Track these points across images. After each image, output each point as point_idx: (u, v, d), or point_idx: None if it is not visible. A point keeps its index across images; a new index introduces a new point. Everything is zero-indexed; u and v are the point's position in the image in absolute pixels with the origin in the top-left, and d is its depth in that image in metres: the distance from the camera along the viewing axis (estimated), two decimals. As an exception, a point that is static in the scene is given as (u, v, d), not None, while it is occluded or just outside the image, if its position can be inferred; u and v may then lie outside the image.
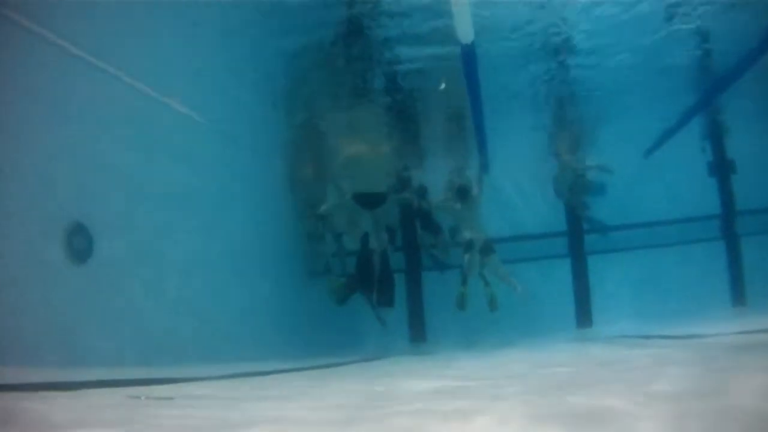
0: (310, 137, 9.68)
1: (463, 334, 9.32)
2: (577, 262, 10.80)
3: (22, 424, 1.90)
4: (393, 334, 9.75)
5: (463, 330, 9.48)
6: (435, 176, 10.39)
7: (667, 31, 7.38)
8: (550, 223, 10.84)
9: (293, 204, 9.67)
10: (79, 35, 4.53)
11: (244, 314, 6.98)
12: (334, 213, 9.67)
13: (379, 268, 9.50)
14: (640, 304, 9.85)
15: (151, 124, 5.43)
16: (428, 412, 1.99)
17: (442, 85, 7.95)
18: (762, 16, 7.04)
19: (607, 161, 10.21)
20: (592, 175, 10.46)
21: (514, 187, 10.68)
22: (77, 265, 4.39)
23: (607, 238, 10.59)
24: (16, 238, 3.91)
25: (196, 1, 5.85)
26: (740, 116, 10.19)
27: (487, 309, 9.23)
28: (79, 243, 4.45)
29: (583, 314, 10.56)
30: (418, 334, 10.54)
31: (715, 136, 10.91)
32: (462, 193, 9.54)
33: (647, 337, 6.32)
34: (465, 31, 5.46)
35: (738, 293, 10.22)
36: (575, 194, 10.62)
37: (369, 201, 9.30)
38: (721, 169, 10.81)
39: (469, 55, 5.99)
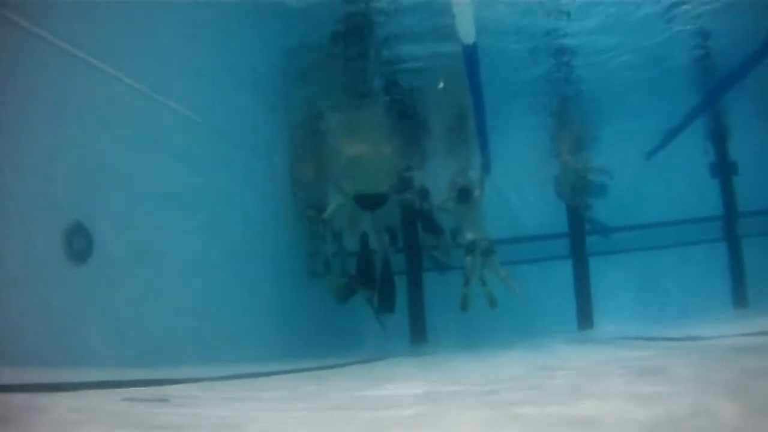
0: (311, 137, 9.67)
1: (464, 336, 9.31)
2: (579, 264, 10.78)
3: (19, 425, 1.88)
4: (394, 335, 9.74)
5: (464, 331, 9.47)
6: (436, 177, 10.37)
7: (670, 32, 7.37)
8: (551, 224, 10.82)
9: (294, 204, 9.66)
10: (78, 35, 4.52)
11: (244, 315, 6.98)
12: (337, 214, 9.66)
13: (381, 273, 9.49)
14: (642, 306, 9.84)
15: (151, 124, 5.42)
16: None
17: (441, 84, 7.94)
18: (765, 16, 7.03)
19: (606, 164, 10.20)
20: (593, 176, 10.44)
21: (516, 188, 10.66)
22: (77, 264, 4.39)
23: (609, 240, 10.57)
24: (15, 238, 3.90)
25: (196, 0, 5.84)
26: (743, 117, 10.17)
27: (488, 311, 9.20)
28: (79, 243, 4.45)
29: (584, 316, 10.55)
30: (419, 336, 10.53)
31: (718, 137, 10.90)
32: (463, 194, 9.52)
33: (648, 338, 6.30)
34: (467, 31, 5.46)
35: (739, 295, 10.20)
36: (577, 195, 10.61)
37: (369, 202, 9.29)
38: (723, 170, 10.79)
39: (471, 55, 5.98)
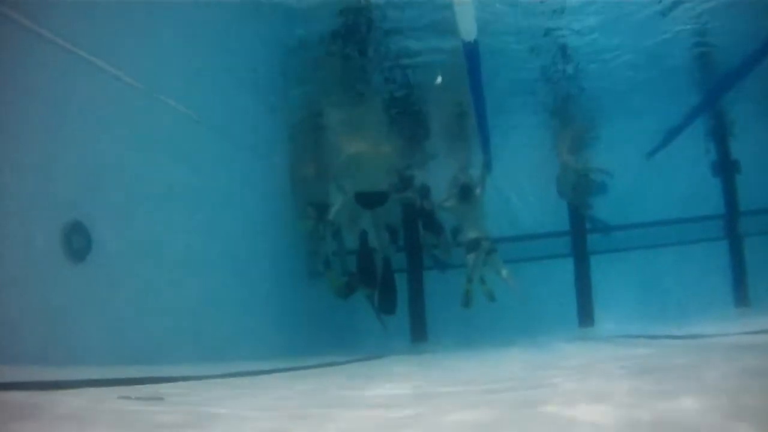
0: (310, 135, 9.66)
1: (465, 334, 9.30)
2: (580, 262, 10.77)
3: (15, 423, 1.88)
4: (394, 333, 9.73)
5: (464, 329, 9.46)
6: (437, 175, 10.36)
7: (670, 31, 7.36)
8: (552, 222, 10.80)
9: (294, 203, 9.65)
10: (78, 35, 4.52)
11: (244, 313, 6.97)
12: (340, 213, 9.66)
13: (382, 274, 9.48)
14: (643, 304, 9.82)
15: (151, 123, 5.41)
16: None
17: (438, 79, 7.91)
18: (765, 15, 7.01)
19: (607, 163, 10.19)
20: (594, 175, 10.42)
21: (517, 186, 10.64)
22: (76, 263, 4.38)
23: (610, 238, 10.55)
24: (14, 237, 3.90)
25: (196, 0, 5.85)
26: (744, 116, 10.15)
27: (489, 309, 9.21)
28: (78, 241, 4.44)
29: (585, 314, 10.54)
30: (420, 334, 10.53)
31: (719, 136, 10.87)
32: (465, 192, 9.51)
33: (649, 337, 6.29)
34: (468, 29, 5.44)
35: (741, 294, 10.18)
36: (578, 194, 10.59)
37: (369, 200, 9.27)
38: (725, 169, 10.76)
39: (471, 53, 5.96)
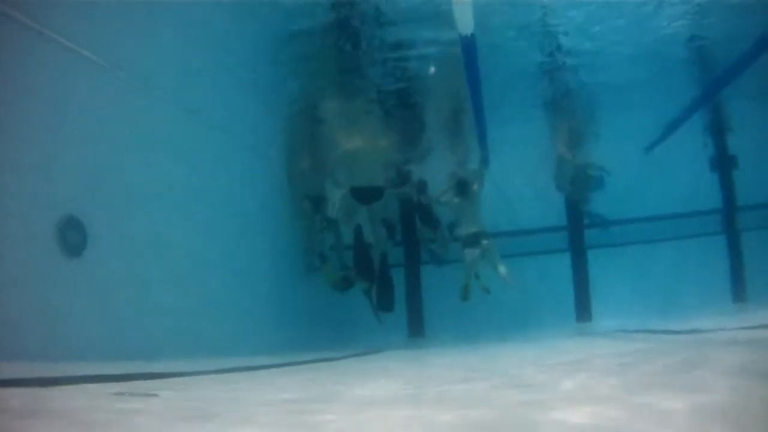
0: (307, 129, 9.62)
1: (462, 329, 9.30)
2: (577, 257, 10.76)
3: (7, 421, 1.85)
4: (392, 328, 9.73)
5: (461, 324, 9.46)
6: (434, 169, 10.33)
7: (670, 25, 7.33)
8: (549, 217, 10.78)
9: (290, 198, 9.62)
10: (78, 34, 4.49)
11: (241, 309, 6.95)
12: (338, 209, 9.63)
13: (379, 271, 9.47)
14: (640, 299, 9.82)
15: (150, 121, 5.38)
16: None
17: (432, 69, 7.84)
18: (764, 10, 6.98)
19: (604, 159, 10.17)
20: (592, 169, 10.40)
21: (514, 181, 10.61)
22: (71, 258, 4.35)
23: (608, 233, 10.54)
24: (11, 234, 3.86)
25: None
26: (742, 111, 10.13)
27: (486, 304, 9.21)
28: (73, 236, 4.41)
29: (583, 309, 10.53)
30: (417, 329, 10.52)
31: (717, 131, 10.85)
32: (462, 187, 9.48)
33: (647, 331, 6.28)
34: (465, 22, 5.39)
35: (739, 289, 10.18)
36: (576, 188, 10.57)
37: (365, 195, 9.24)
38: (723, 164, 10.75)
39: (469, 46, 5.91)
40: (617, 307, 9.89)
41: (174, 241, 5.71)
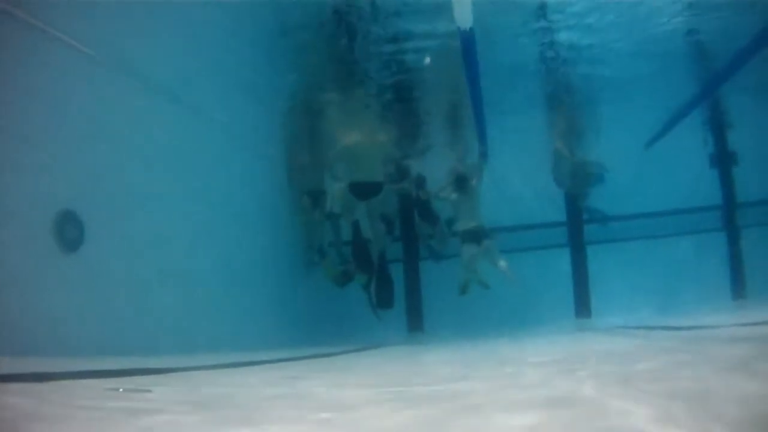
0: (305, 124, 9.59)
1: (461, 324, 9.27)
2: (577, 252, 10.74)
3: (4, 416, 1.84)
4: (391, 323, 9.72)
5: (460, 320, 9.44)
6: (432, 164, 10.31)
7: (671, 20, 7.30)
8: (549, 212, 10.76)
9: (289, 193, 9.60)
10: (78, 34, 4.47)
11: (240, 305, 6.93)
12: (336, 203, 9.61)
13: (378, 267, 9.46)
14: (640, 295, 9.80)
15: (147, 117, 5.35)
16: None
17: (427, 60, 7.78)
18: (764, 4, 6.95)
19: (603, 155, 10.15)
20: (591, 164, 10.39)
21: (513, 176, 10.59)
22: (68, 253, 4.33)
23: (607, 228, 10.52)
24: (10, 233, 3.85)
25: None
26: (742, 107, 10.10)
27: (485, 299, 9.21)
28: (70, 231, 4.39)
29: (582, 305, 10.52)
30: (416, 324, 10.51)
31: (717, 127, 10.82)
32: (461, 182, 9.45)
33: (646, 328, 6.26)
34: (464, 15, 5.35)
35: (738, 285, 10.16)
36: (575, 183, 10.54)
37: (363, 191, 9.21)
38: (723, 160, 10.73)
39: (467, 40, 5.87)
40: (616, 303, 9.87)
41: (172, 237, 5.70)
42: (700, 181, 10.51)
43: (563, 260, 10.64)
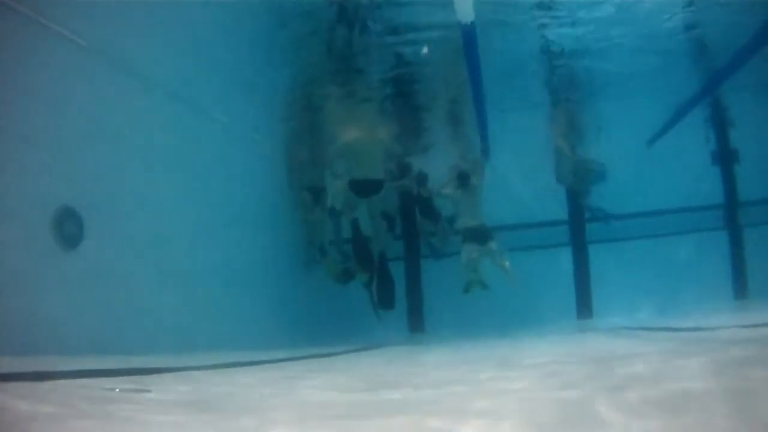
0: (306, 121, 9.56)
1: (463, 324, 9.24)
2: (578, 252, 10.70)
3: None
4: (392, 323, 9.71)
5: (462, 320, 9.40)
6: (435, 161, 10.27)
7: (673, 17, 7.27)
8: (550, 211, 10.72)
9: (290, 190, 9.58)
10: (78, 33, 4.45)
11: (240, 303, 6.92)
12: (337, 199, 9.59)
13: (379, 268, 9.44)
14: (641, 295, 9.77)
15: (150, 119, 5.34)
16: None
17: (425, 50, 7.72)
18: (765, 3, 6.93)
19: (603, 154, 10.11)
20: (593, 162, 10.36)
21: (515, 173, 10.55)
22: (67, 250, 4.32)
23: (609, 227, 10.48)
24: (6, 225, 3.83)
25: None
26: (744, 104, 10.05)
27: (487, 299, 9.16)
28: (69, 227, 4.38)
29: (584, 305, 10.48)
30: (417, 324, 10.48)
31: (719, 124, 10.78)
32: (462, 180, 9.42)
33: (648, 329, 6.24)
34: (465, 10, 5.31)
35: (740, 285, 10.12)
36: (578, 180, 10.51)
37: (363, 189, 9.18)
38: (725, 158, 10.69)
39: (469, 35, 5.83)
40: (618, 303, 9.84)
41: (172, 235, 5.68)
42: (702, 179, 10.46)
43: (565, 260, 10.60)
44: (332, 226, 9.78)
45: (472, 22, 5.51)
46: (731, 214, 10.59)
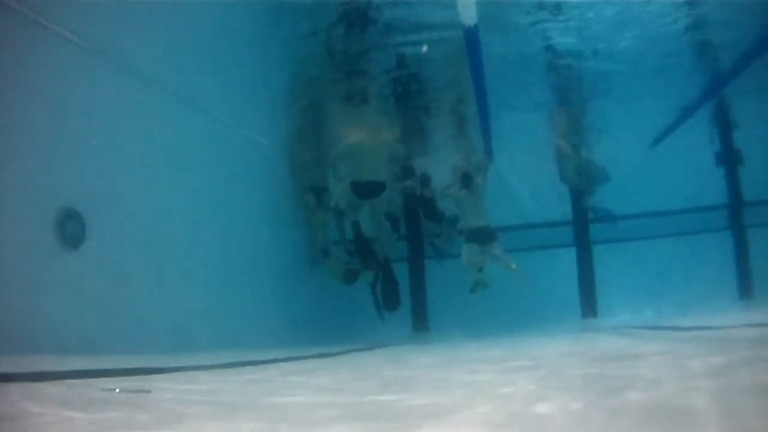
0: (311, 123, 9.55)
1: (467, 323, 9.22)
2: (582, 252, 10.68)
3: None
4: (397, 322, 9.70)
5: (466, 319, 9.39)
6: (438, 162, 10.26)
7: (678, 18, 7.25)
8: (554, 211, 10.71)
9: (293, 191, 9.57)
10: (78, 33, 4.45)
11: (244, 303, 6.92)
12: (342, 201, 9.59)
13: (383, 271, 9.43)
14: (646, 295, 9.73)
15: (150, 118, 5.33)
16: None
17: (425, 49, 7.70)
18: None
19: (605, 156, 10.09)
20: (597, 162, 10.34)
21: (518, 174, 10.54)
22: (69, 251, 4.31)
23: (613, 228, 10.46)
24: (8, 226, 3.83)
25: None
26: (748, 106, 10.02)
27: (492, 298, 9.17)
28: (72, 228, 4.37)
29: (588, 304, 10.45)
30: (421, 323, 10.47)
31: (723, 125, 10.75)
32: (466, 180, 9.41)
33: (652, 328, 6.21)
34: (468, 13, 5.30)
35: (745, 285, 10.08)
36: (582, 179, 10.49)
37: (365, 190, 9.17)
38: (729, 159, 10.65)
39: (472, 38, 5.82)
40: (623, 303, 9.80)
41: (175, 235, 5.67)
42: (706, 180, 10.43)
43: (569, 260, 10.57)
44: (337, 226, 9.78)
45: (475, 24, 5.51)
46: (735, 214, 10.55)
